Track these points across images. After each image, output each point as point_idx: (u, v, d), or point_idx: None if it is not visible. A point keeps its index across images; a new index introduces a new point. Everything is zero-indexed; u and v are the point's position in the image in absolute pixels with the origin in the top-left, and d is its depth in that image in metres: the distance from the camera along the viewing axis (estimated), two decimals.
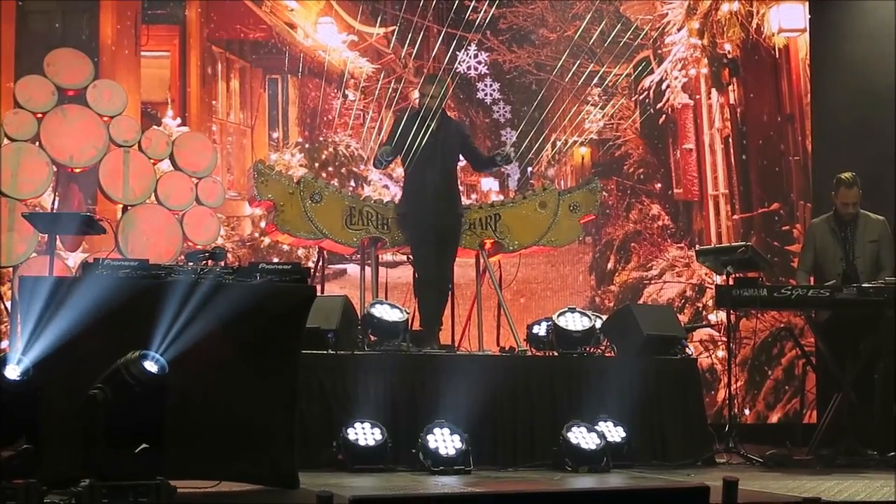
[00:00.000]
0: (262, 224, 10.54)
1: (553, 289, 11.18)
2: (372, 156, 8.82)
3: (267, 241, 10.75)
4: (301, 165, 11.11)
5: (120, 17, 10.89)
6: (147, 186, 9.13)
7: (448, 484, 6.72)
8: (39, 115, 8.89)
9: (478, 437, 7.39)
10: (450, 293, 8.79)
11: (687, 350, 8.45)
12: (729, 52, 11.31)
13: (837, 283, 8.24)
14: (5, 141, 8.77)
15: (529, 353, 8.42)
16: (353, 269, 10.42)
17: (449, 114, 9.40)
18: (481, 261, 9.00)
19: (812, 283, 8.63)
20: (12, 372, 5.40)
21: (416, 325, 8.51)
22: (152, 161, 9.22)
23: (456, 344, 8.88)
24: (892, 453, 7.91)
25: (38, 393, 5.45)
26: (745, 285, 8.21)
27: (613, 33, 10.87)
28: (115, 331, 5.75)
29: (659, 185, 11.43)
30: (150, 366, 5.35)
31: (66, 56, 9.19)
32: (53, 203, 9.03)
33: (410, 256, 8.86)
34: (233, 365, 6.05)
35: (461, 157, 9.00)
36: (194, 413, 5.86)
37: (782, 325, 10.07)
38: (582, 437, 7.44)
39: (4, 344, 9.06)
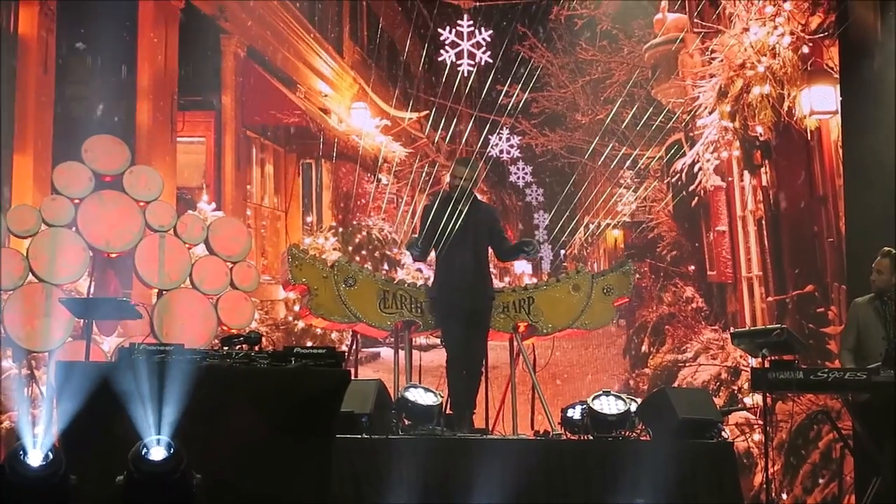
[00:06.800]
0: (297, 308, 10.58)
1: (587, 372, 11.14)
2: (405, 239, 8.82)
3: (301, 324, 10.79)
4: (335, 249, 11.17)
5: (156, 103, 11.02)
6: (182, 271, 9.17)
7: None
8: (77, 201, 8.98)
9: None
10: (482, 376, 8.77)
11: (723, 433, 8.36)
12: (761, 134, 11.31)
13: (879, 365, 8.16)
14: (42, 227, 8.85)
15: (564, 437, 8.36)
16: (386, 352, 10.43)
17: (481, 197, 9.41)
18: (515, 344, 8.98)
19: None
20: (36, 459, 5.34)
21: (450, 409, 8.49)
22: (188, 245, 9.29)
23: (490, 427, 8.84)
24: None
25: (69, 480, 5.42)
26: (781, 368, 8.13)
27: (645, 116, 10.93)
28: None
29: (692, 267, 11.41)
30: (157, 452, 5.29)
31: (103, 142, 9.28)
32: (90, 288, 9.08)
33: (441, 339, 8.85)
34: (267, 447, 6.05)
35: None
36: (227, 494, 5.85)
37: (819, 408, 9.97)
38: None
39: (38, 429, 9.06)
